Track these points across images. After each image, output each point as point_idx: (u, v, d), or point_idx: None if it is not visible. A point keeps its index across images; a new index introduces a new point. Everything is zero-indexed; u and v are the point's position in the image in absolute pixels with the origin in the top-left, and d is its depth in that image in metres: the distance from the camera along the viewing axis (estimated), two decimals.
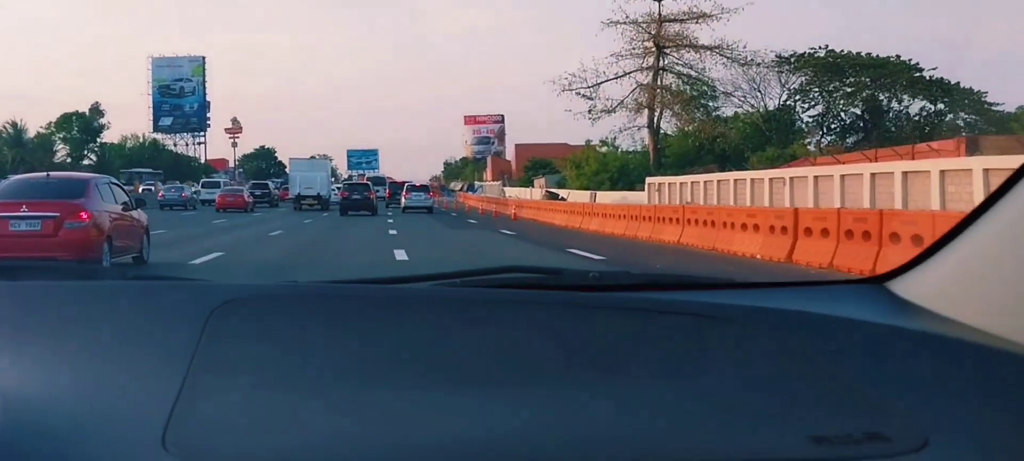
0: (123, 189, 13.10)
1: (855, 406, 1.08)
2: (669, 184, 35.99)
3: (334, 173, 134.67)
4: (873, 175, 24.28)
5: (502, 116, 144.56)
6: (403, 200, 44.16)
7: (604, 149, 54.99)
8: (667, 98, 50.61)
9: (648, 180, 39.24)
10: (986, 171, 18.07)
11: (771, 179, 28.71)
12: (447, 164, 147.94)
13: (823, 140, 51.47)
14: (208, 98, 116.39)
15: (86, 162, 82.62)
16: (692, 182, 34.38)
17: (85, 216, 10.82)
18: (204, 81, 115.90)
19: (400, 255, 15.26)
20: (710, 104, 51.92)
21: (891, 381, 1.12)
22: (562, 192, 47.04)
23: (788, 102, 52.42)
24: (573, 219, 27.80)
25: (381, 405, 1.05)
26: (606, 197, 40.27)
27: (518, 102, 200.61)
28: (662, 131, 52.80)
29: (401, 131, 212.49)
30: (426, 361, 1.14)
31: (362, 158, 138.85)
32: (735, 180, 31.67)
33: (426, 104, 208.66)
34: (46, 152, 73.37)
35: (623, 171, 50.48)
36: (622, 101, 51.18)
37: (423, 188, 47.20)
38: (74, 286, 1.49)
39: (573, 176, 54.27)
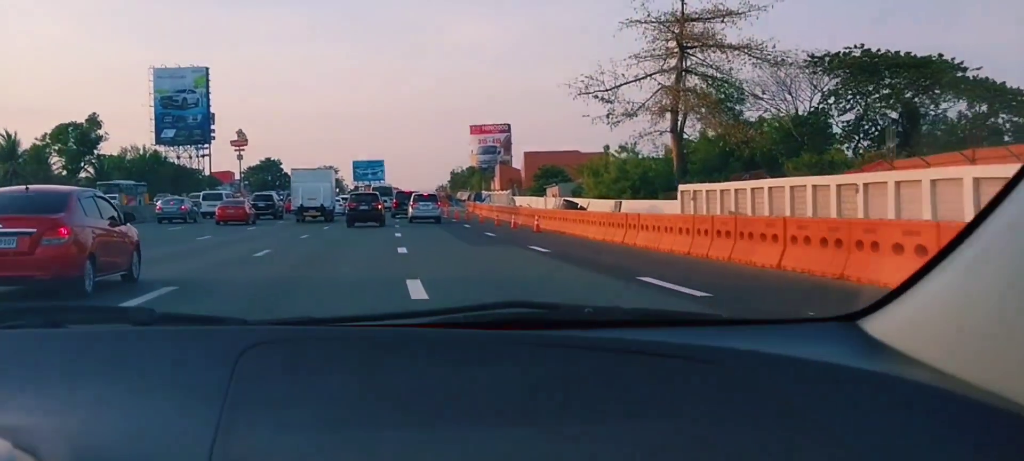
0: (110, 203, 12.34)
1: (823, 449, 1.13)
2: (707, 192, 32.56)
3: (340, 184, 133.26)
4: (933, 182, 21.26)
5: (508, 125, 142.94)
6: (410, 210, 42.69)
7: (623, 155, 51.50)
8: (692, 101, 47.17)
9: (681, 187, 35.84)
10: None
11: (839, 186, 25.22)
12: (454, 173, 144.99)
13: (859, 145, 48.05)
14: (213, 110, 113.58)
15: (83, 175, 79.54)
16: (735, 189, 30.97)
17: (64, 232, 10.18)
18: (208, 92, 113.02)
19: (416, 290, 11.32)
20: (737, 107, 48.45)
21: (858, 424, 1.16)
22: (581, 201, 43.70)
23: (821, 105, 49.05)
24: (611, 232, 24.44)
25: (390, 444, 1.15)
26: (632, 207, 36.93)
27: (526, 109, 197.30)
28: (685, 136, 49.29)
29: (407, 142, 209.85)
30: (431, 401, 1.22)
31: (368, 169, 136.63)
32: (792, 186, 28.16)
33: (432, 114, 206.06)
34: (40, 165, 70.16)
35: (645, 179, 47.17)
36: (644, 104, 47.76)
37: (431, 198, 45.68)
38: (110, 331, 1.59)
39: (590, 184, 50.99)
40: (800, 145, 47.26)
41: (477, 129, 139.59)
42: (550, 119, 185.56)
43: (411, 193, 51.68)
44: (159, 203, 46.92)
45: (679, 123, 47.98)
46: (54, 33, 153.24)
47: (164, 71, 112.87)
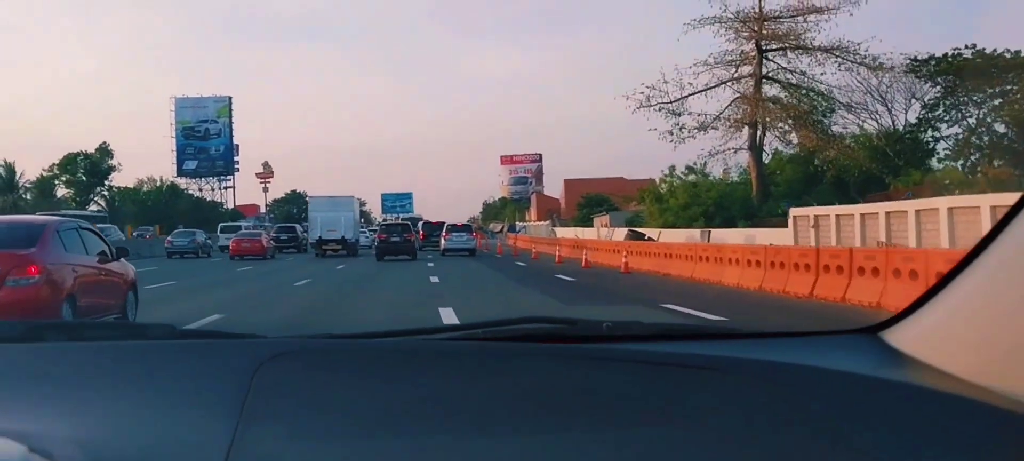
0: (100, 236, 10.76)
1: (845, 457, 1.13)
2: (838, 216, 24.84)
3: (367, 217, 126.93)
4: None
5: (539, 155, 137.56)
6: (442, 242, 39.16)
7: (692, 177, 43.91)
8: (775, 112, 39.68)
9: (794, 212, 28.22)
10: None
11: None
12: (486, 204, 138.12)
13: (969, 161, 40.07)
14: (236, 141, 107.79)
15: (93, 207, 73.42)
16: (882, 213, 23.23)
17: (34, 270, 8.78)
18: (231, 122, 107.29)
19: None
20: (824, 120, 40.76)
21: (880, 434, 1.15)
22: (650, 232, 36.16)
23: (925, 115, 41.25)
24: (728, 273, 17.25)
25: (407, 453, 1.15)
26: (719, 237, 29.46)
27: (561, 138, 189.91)
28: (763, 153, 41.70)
29: (436, 173, 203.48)
30: (448, 412, 1.22)
31: (396, 201, 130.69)
32: (955, 208, 20.41)
33: (462, 145, 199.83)
34: (45, 197, 63.99)
35: (720, 204, 39.67)
36: (719, 116, 40.30)
37: (465, 228, 41.85)
38: (131, 346, 1.56)
39: (653, 211, 43.46)
40: (897, 163, 39.68)
41: (508, 159, 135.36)
42: (587, 147, 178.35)
43: (440, 223, 46.80)
44: (169, 237, 42.78)
45: (759, 138, 40.45)
46: (76, 65, 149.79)
47: (186, 101, 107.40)
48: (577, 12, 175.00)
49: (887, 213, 21.47)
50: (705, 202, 39.75)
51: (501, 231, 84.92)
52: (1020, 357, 1.14)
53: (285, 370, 1.31)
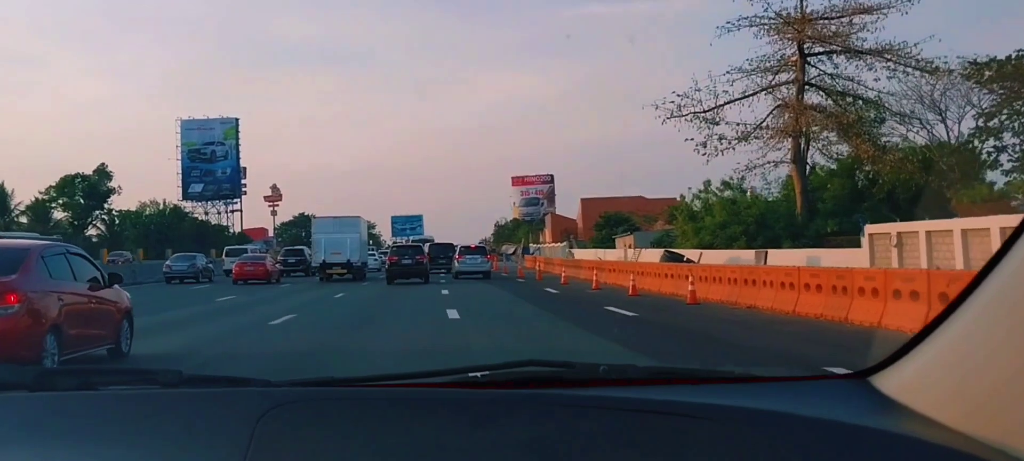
0: (92, 262, 10.10)
1: None
2: (929, 233, 20.98)
3: (377, 240, 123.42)
4: None
5: (551, 176, 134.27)
6: (455, 264, 37.48)
7: (728, 193, 40.07)
8: (821, 121, 35.98)
9: (870, 229, 24.38)
10: None
11: None
12: (498, 226, 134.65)
13: None
14: (244, 164, 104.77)
15: (92, 231, 70.20)
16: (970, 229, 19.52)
17: (13, 299, 8.01)
18: (238, 144, 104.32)
19: None
20: (874, 129, 36.94)
21: None
22: (691, 253, 32.36)
23: (982, 124, 37.45)
24: (834, 304, 13.55)
25: None
26: (781, 258, 25.73)
27: (574, 157, 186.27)
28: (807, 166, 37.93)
29: (447, 196, 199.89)
30: (450, 459, 1.26)
31: (407, 224, 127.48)
32: None
33: (473, 167, 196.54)
34: (38, 220, 60.66)
35: (762, 222, 35.86)
36: (760, 124, 36.61)
37: (479, 250, 40.24)
38: (139, 394, 1.58)
39: (687, 231, 39.67)
40: (951, 176, 35.96)
41: (519, 180, 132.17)
42: (602, 167, 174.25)
43: (448, 245, 44.87)
44: (168, 261, 40.74)
45: (803, 150, 36.71)
46: (83, 90, 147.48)
47: (192, 122, 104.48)
48: (589, 35, 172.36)
49: (1001, 229, 17.76)
50: (745, 220, 35.97)
51: (515, 253, 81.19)
52: (1006, 406, 1.12)
53: (287, 419, 1.33)
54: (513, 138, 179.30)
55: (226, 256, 47.20)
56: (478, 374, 1.58)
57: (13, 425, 1.39)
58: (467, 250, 38.67)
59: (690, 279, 19.42)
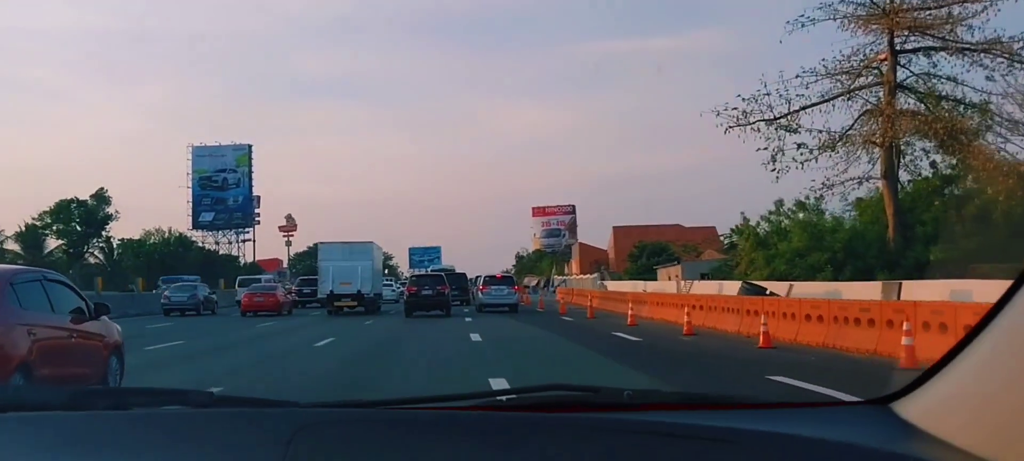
0: (75, 290, 9.18)
1: None
2: None
3: (394, 272, 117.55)
4: None
5: (573, 207, 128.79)
6: (479, 295, 34.13)
7: (802, 215, 33.85)
8: (918, 128, 29.92)
9: None
10: None
11: None
12: (520, 257, 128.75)
13: None
14: (257, 193, 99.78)
15: (91, 260, 64.87)
16: None
17: None
18: (250, 172, 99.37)
19: None
20: (980, 140, 30.75)
21: None
22: (777, 287, 26.11)
23: None
24: None
25: None
26: (915, 291, 19.59)
27: (599, 186, 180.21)
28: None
29: (466, 227, 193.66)
30: None
31: (424, 256, 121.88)
32: None
33: (493, 198, 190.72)
34: (28, 247, 55.32)
35: (851, 248, 29.75)
36: (848, 131, 30.59)
37: (506, 280, 36.25)
38: (171, 414, 1.58)
39: (755, 259, 33.51)
40: None
41: (540, 211, 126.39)
42: (629, 196, 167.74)
43: (461, 275, 42.01)
44: (166, 290, 37.46)
45: (894, 163, 30.61)
46: (105, 124, 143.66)
47: (203, 149, 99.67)
48: (612, 69, 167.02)
49: None
50: (832, 246, 29.84)
51: (538, 285, 75.08)
52: None
53: (319, 440, 1.33)
54: (533, 169, 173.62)
55: (239, 286, 44.04)
56: (504, 398, 1.60)
57: (49, 444, 1.39)
58: (492, 280, 34.77)
59: (763, 316, 15.12)
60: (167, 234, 76.23)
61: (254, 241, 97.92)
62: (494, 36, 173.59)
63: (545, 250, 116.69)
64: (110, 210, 65.34)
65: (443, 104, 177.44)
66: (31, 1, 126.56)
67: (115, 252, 66.36)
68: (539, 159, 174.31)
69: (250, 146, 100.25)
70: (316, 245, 42.33)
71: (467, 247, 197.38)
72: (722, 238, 62.76)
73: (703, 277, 40.26)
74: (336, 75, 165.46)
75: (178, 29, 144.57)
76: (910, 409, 1.37)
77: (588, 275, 66.30)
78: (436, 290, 30.05)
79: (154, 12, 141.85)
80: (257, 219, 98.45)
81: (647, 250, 57.28)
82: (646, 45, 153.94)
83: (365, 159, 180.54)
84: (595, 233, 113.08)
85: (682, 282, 39.05)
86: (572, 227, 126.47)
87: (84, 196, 63.29)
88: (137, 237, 73.57)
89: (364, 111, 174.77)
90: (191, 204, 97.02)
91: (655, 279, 49.01)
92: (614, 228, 73.30)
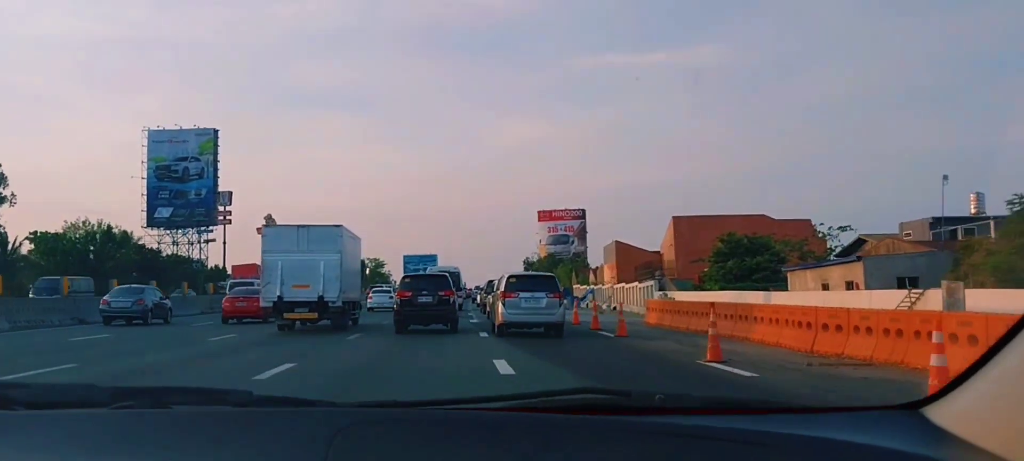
0: None
1: None
2: None
3: (385, 279, 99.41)
4: None
5: (582, 211, 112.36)
6: (499, 310, 18.78)
7: None
8: None
9: None
10: None
11: None
12: (529, 264, 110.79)
13: None
14: (230, 189, 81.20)
15: None
16: None
17: None
18: (216, 160, 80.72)
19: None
20: None
21: None
22: None
23: None
24: None
25: None
26: None
27: (607, 193, 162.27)
28: None
29: (463, 235, 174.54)
30: None
31: (419, 265, 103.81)
32: None
33: (493, 205, 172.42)
34: None
35: None
36: None
37: (544, 283, 19.80)
38: (212, 412, 1.58)
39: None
40: None
41: (546, 215, 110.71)
42: (626, 206, 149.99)
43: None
44: (106, 296, 29.89)
45: None
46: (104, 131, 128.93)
47: (161, 133, 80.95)
48: (609, 83, 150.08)
49: None
50: None
51: (584, 298, 57.01)
52: None
53: (359, 439, 1.31)
54: (535, 174, 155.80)
55: (230, 289, 37.72)
56: (535, 400, 1.55)
57: (93, 442, 1.37)
58: (521, 283, 19.47)
59: None
60: (95, 227, 57.59)
61: (225, 243, 79.45)
62: (490, 49, 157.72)
63: (557, 257, 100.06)
64: (4, 191, 46.79)
65: (438, 115, 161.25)
66: (26, 9, 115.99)
67: (14, 245, 47.80)
68: (540, 166, 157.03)
69: (216, 131, 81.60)
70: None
71: (465, 255, 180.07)
72: (818, 233, 45.14)
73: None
74: (335, 86, 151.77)
75: (173, 38, 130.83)
76: (941, 414, 1.33)
77: (639, 283, 48.25)
78: (437, 296, 21.53)
79: (149, 22, 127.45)
80: (228, 217, 79.91)
81: (740, 246, 39.33)
82: (640, 60, 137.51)
83: (359, 169, 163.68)
84: (600, 243, 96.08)
85: (912, 292, 21.18)
86: (581, 233, 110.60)
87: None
88: (56, 230, 55.33)
89: (359, 122, 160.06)
90: (145, 197, 78.83)
91: (761, 288, 31.41)
92: (674, 219, 54.78)
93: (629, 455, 1.26)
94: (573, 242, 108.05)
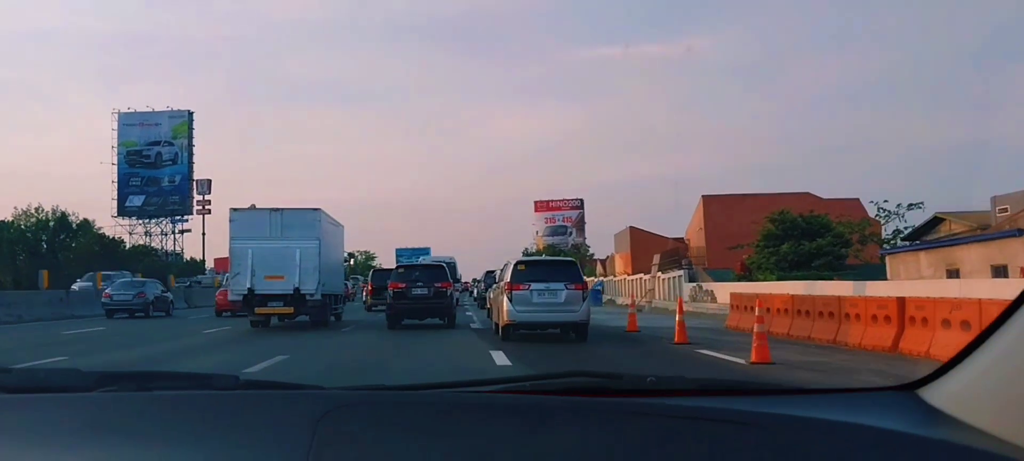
0: None
1: None
2: None
3: (367, 266, 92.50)
4: None
5: (581, 200, 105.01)
6: (504, 307, 14.41)
7: None
8: None
9: None
10: None
11: None
12: (528, 255, 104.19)
13: None
14: (208, 177, 73.90)
15: None
16: None
17: None
18: (191, 144, 73.40)
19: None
20: None
21: None
22: None
23: None
24: None
25: None
26: None
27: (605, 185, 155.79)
28: None
29: (456, 228, 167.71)
30: None
31: (412, 258, 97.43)
32: None
33: (488, 198, 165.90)
34: None
35: None
36: None
37: (562, 270, 15.00)
38: (197, 396, 1.52)
39: None
40: None
41: (543, 205, 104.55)
42: (629, 200, 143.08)
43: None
44: (108, 288, 29.82)
45: None
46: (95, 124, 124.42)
47: (132, 116, 73.43)
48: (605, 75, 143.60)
49: None
50: None
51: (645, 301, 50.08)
52: None
53: (346, 422, 1.28)
54: (530, 166, 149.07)
55: (231, 279, 31.32)
56: (528, 383, 1.52)
57: (77, 425, 1.34)
58: (533, 272, 14.80)
59: None
60: (49, 214, 50.29)
61: (204, 234, 72.40)
62: (484, 41, 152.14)
63: (556, 248, 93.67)
64: None
65: (429, 108, 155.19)
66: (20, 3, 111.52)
67: None
68: (537, 158, 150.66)
69: (190, 113, 74.08)
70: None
71: (458, 248, 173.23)
72: (880, 212, 38.17)
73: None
74: (325, 77, 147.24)
75: (167, 33, 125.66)
76: (937, 395, 1.32)
77: (662, 274, 41.63)
78: (433, 288, 19.06)
79: (143, 16, 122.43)
80: (206, 207, 72.78)
81: (797, 228, 32.79)
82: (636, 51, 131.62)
83: (350, 161, 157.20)
84: (597, 234, 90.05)
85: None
86: (580, 224, 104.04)
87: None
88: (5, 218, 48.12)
89: (349, 114, 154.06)
90: (116, 185, 71.62)
91: (816, 279, 24.89)
92: (704, 198, 47.82)
93: (619, 435, 1.22)
94: (571, 233, 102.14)
